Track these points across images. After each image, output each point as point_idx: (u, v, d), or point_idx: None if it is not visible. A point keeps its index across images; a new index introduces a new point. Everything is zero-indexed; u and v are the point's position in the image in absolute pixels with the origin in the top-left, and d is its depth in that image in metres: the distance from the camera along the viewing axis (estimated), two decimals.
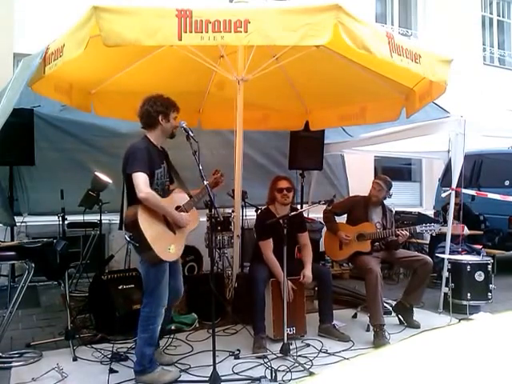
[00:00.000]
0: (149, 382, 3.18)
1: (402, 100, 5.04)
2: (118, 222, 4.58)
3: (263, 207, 4.58)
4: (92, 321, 4.36)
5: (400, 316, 4.57)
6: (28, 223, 5.70)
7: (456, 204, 5.18)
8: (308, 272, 4.10)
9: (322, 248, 5.37)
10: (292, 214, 3.94)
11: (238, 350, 3.71)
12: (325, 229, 4.98)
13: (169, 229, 3.20)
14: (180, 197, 3.38)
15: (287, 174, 4.91)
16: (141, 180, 3.02)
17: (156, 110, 3.24)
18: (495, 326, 1.32)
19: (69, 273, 4.41)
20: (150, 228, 3.07)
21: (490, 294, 4.82)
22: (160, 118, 3.24)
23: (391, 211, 4.88)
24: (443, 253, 5.06)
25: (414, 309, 4.60)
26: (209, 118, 6.12)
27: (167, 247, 3.14)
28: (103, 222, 5.29)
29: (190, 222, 3.30)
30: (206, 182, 3.15)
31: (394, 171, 9.38)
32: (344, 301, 5.23)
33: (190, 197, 3.41)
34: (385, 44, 3.34)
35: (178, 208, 3.30)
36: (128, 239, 3.12)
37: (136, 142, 3.24)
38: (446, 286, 4.83)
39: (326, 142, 6.73)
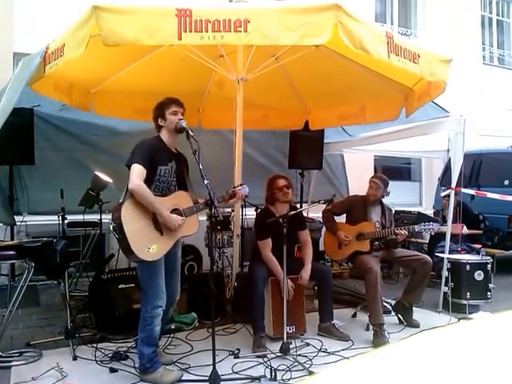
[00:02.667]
0: (152, 382, 3.19)
1: (401, 99, 5.04)
2: None
3: (262, 206, 4.59)
4: (92, 320, 4.35)
5: (399, 315, 4.58)
6: (28, 222, 5.70)
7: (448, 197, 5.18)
8: (305, 274, 4.10)
9: (321, 247, 5.37)
10: (292, 213, 3.95)
11: (238, 349, 3.72)
12: (324, 228, 4.98)
13: (156, 228, 3.13)
14: (182, 200, 3.31)
15: (286, 173, 4.91)
16: (135, 171, 3.07)
17: (155, 115, 3.37)
18: (495, 325, 1.32)
19: (69, 272, 4.41)
20: (131, 222, 3.02)
21: (489, 293, 4.83)
22: (159, 120, 3.34)
23: (390, 210, 4.88)
24: (443, 252, 5.06)
25: (414, 308, 4.60)
26: (209, 118, 6.12)
27: (147, 246, 3.04)
28: (103, 221, 5.29)
29: (180, 225, 3.18)
30: (206, 181, 3.14)
31: (393, 171, 9.38)
32: (344, 300, 5.24)
33: (196, 203, 3.34)
34: (383, 44, 3.34)
35: (175, 210, 3.23)
36: (111, 229, 3.08)
37: (144, 139, 3.31)
38: (446, 285, 4.84)
39: (325, 141, 6.74)
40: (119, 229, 2.99)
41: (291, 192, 4.31)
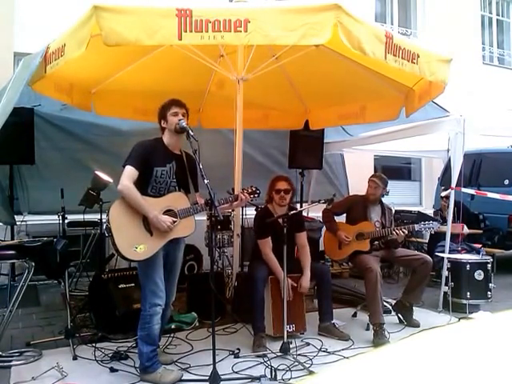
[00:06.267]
0: (152, 382, 3.19)
1: (401, 99, 5.04)
2: None
3: (262, 206, 4.58)
4: (92, 320, 4.36)
5: (400, 315, 4.58)
6: (28, 222, 5.70)
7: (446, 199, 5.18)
8: (305, 283, 4.07)
9: (321, 247, 5.37)
10: (291, 212, 3.94)
11: (238, 348, 3.72)
12: (324, 228, 4.98)
13: (146, 228, 3.14)
14: (179, 201, 3.29)
15: (287, 173, 4.91)
16: (126, 173, 3.14)
17: (158, 117, 3.38)
18: (495, 324, 1.32)
19: (69, 272, 4.42)
20: (119, 221, 3.10)
21: (489, 292, 4.82)
22: (162, 122, 3.35)
23: (391, 209, 4.88)
24: (443, 252, 5.07)
25: (414, 308, 4.61)
26: (209, 117, 6.13)
27: (134, 245, 3.06)
28: (103, 221, 5.29)
29: (170, 227, 3.14)
30: (206, 181, 3.14)
31: (393, 170, 9.40)
32: (344, 300, 5.23)
33: (195, 204, 3.32)
34: (381, 45, 3.34)
35: (169, 211, 3.22)
36: (104, 228, 3.18)
37: (142, 140, 3.34)
38: (446, 284, 4.84)
39: (325, 141, 6.75)
40: (109, 227, 3.08)
41: (291, 196, 4.21)
